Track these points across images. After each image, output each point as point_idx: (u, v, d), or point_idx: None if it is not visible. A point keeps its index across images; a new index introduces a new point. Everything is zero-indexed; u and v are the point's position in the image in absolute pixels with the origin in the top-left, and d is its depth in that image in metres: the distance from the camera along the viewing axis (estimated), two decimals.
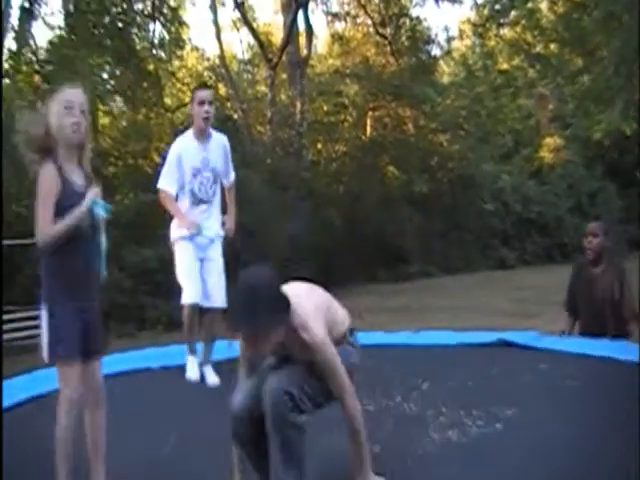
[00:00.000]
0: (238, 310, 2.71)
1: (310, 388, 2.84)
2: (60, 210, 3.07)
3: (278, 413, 2.76)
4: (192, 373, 4.85)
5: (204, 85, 5.77)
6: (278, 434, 2.78)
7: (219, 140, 5.10)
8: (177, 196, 4.99)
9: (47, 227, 3.04)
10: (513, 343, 5.32)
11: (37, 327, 3.28)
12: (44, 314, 3.09)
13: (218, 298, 4.97)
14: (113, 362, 5.16)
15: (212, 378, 4.84)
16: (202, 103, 4.89)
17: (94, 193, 3.15)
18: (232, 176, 5.26)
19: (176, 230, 4.98)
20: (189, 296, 4.87)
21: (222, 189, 5.20)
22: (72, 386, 3.06)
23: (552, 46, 19.48)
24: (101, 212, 3.15)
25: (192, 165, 4.89)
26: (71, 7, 13.90)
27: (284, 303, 2.75)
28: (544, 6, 19.84)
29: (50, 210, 3.05)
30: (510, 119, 19.82)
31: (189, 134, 5.04)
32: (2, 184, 8.59)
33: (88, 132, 3.22)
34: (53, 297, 3.10)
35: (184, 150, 4.93)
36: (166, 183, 4.94)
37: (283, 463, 2.78)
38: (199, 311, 4.95)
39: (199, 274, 4.93)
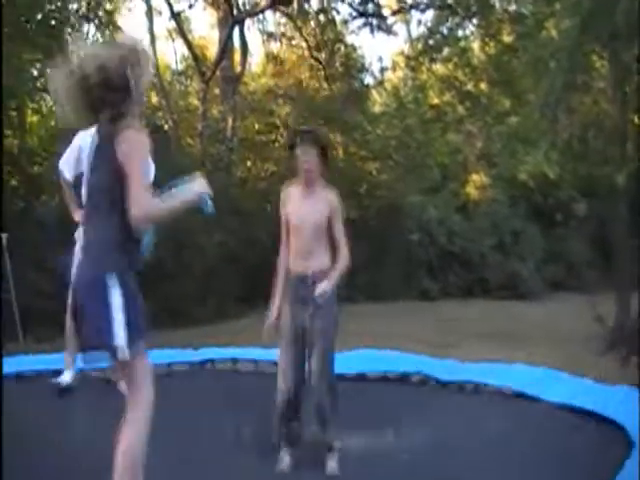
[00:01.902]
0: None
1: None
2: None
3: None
4: (64, 377, 5.31)
5: None
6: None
7: None
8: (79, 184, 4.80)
9: (150, 201, 2.77)
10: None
11: None
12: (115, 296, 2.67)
13: None
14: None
15: None
16: None
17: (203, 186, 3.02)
18: None
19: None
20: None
21: None
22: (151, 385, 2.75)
23: (482, 85, 19.96)
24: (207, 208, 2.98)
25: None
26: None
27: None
28: (476, 46, 20.36)
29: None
30: (439, 153, 20.08)
31: (92, 129, 4.91)
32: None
33: None
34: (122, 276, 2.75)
35: (84, 143, 4.74)
36: (65, 167, 5.03)
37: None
38: None
39: None
